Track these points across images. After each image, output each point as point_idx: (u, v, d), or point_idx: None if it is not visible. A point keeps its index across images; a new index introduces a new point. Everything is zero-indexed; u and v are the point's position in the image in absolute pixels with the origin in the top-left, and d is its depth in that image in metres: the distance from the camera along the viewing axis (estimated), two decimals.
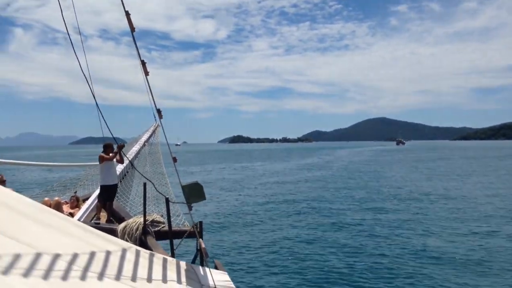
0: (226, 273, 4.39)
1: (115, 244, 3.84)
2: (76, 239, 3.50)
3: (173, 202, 6.49)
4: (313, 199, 26.74)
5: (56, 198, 9.86)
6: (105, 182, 9.01)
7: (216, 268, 4.70)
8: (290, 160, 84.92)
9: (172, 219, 6.45)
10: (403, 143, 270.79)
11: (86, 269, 2.99)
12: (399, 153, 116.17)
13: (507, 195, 27.55)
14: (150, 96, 4.20)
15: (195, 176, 44.70)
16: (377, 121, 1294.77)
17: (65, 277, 2.74)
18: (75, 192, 11.23)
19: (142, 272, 3.49)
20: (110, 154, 9.12)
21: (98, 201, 9.25)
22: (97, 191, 9.65)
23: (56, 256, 2.91)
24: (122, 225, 6.91)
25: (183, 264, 4.16)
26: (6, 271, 2.42)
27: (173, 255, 5.61)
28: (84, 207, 9.42)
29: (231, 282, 4.07)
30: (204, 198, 5.17)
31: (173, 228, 6.38)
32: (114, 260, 3.41)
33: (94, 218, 8.76)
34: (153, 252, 4.39)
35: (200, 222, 6.18)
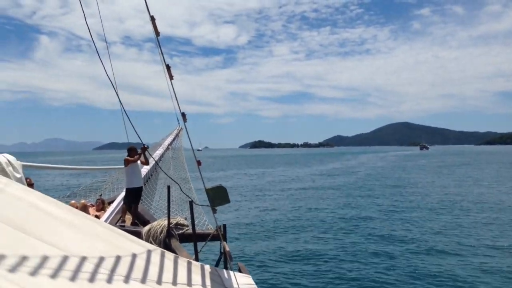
0: (250, 276, 4.32)
1: (141, 246, 3.84)
2: (103, 241, 3.51)
3: (197, 205, 6.48)
4: (337, 206, 26.18)
5: (83, 201, 10.04)
6: (131, 185, 9.12)
7: (240, 271, 4.64)
8: (311, 165, 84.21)
9: (195, 222, 6.44)
10: (427, 148, 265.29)
11: (112, 271, 2.98)
12: (423, 158, 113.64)
13: None
14: (175, 100, 4.20)
15: (216, 181, 44.90)
16: (400, 126, 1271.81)
17: (92, 279, 2.73)
18: (101, 195, 11.42)
19: (167, 275, 3.47)
20: (135, 157, 9.21)
21: (123, 203, 9.35)
22: (122, 194, 9.77)
23: (84, 258, 2.91)
24: (147, 227, 6.96)
25: (207, 267, 4.13)
26: (35, 272, 2.43)
27: (197, 258, 5.60)
28: (110, 210, 9.54)
29: (255, 286, 4.01)
30: (228, 201, 5.15)
31: (197, 231, 6.38)
32: (140, 263, 3.40)
33: (119, 221, 8.84)
34: (177, 255, 4.36)
35: (224, 225, 6.15)
